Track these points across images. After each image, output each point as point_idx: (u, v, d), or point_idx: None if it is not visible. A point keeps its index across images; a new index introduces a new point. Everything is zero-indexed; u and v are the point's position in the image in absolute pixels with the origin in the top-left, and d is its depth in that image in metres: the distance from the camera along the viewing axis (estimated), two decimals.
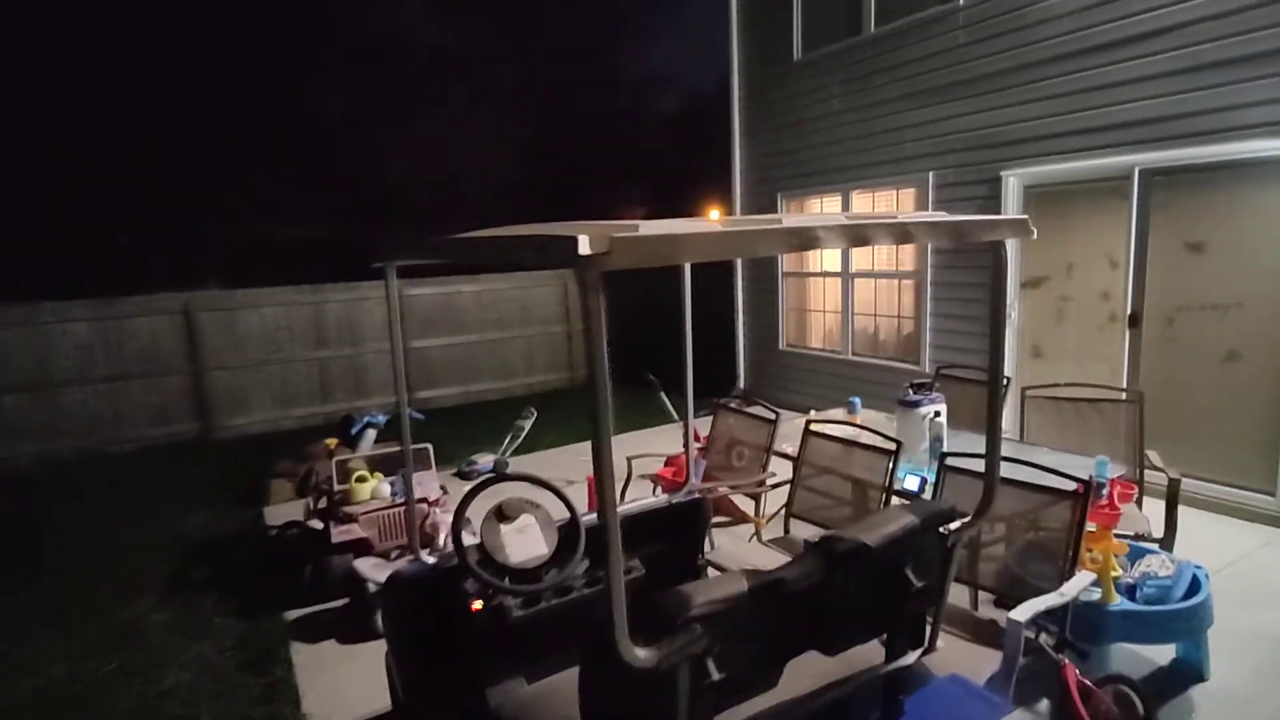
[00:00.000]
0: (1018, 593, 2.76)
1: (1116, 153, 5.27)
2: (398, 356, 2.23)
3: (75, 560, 5.15)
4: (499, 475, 2.32)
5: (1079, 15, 5.38)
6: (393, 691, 2.81)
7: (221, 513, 6.00)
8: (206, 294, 8.95)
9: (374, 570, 3.93)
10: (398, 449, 5.00)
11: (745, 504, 4.49)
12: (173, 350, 8.56)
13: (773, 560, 3.52)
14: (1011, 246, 6.11)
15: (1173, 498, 3.61)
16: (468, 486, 6.82)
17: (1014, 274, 6.19)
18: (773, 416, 4.24)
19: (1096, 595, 2.92)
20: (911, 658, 1.84)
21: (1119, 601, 2.95)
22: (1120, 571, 3.10)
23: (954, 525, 1.78)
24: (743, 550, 3.60)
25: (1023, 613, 2.43)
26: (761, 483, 4.15)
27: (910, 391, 4.11)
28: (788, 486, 4.10)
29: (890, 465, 3.46)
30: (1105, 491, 3.22)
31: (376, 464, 4.76)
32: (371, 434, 5.13)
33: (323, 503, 4.66)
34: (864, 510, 3.56)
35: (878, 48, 7.03)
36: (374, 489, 4.49)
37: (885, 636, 1.83)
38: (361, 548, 4.23)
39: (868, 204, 7.49)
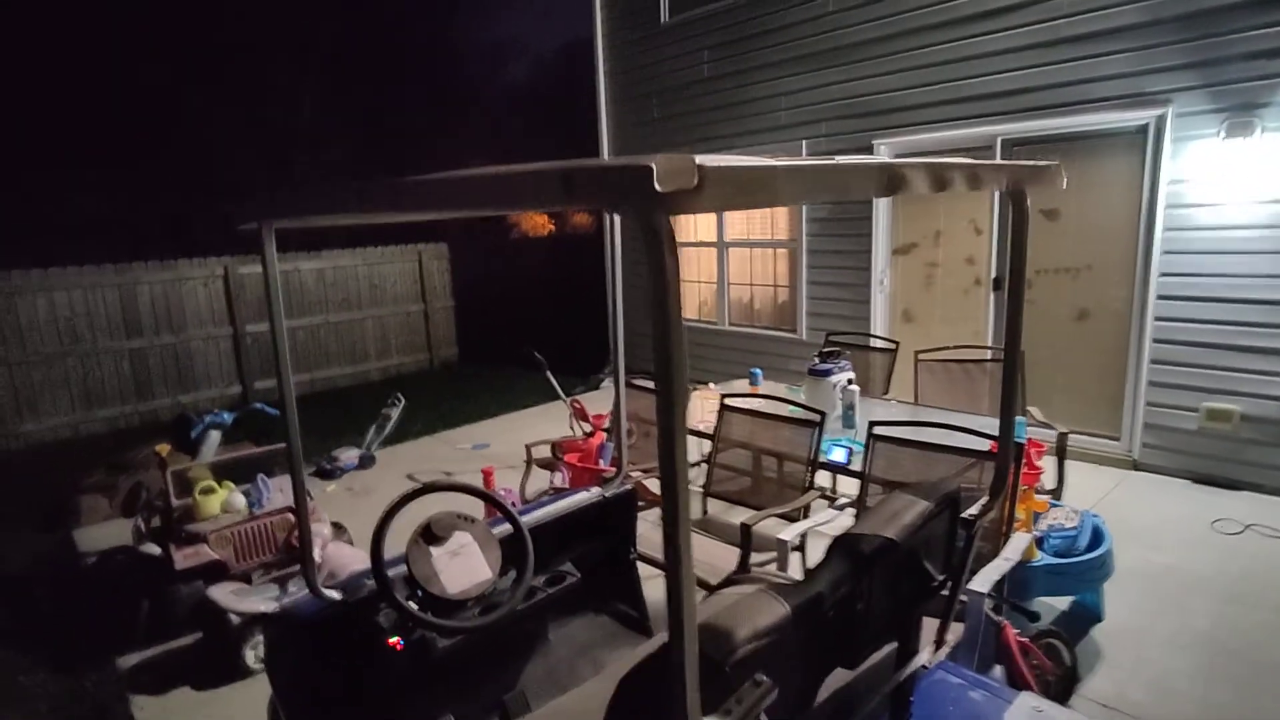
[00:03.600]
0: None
1: (980, 123, 5.50)
2: (280, 335, 1.74)
3: None
4: (425, 488, 1.90)
5: None
6: None
7: (15, 539, 4.92)
8: None
9: (235, 599, 3.31)
10: (252, 451, 4.33)
11: (655, 485, 4.25)
12: None
13: (706, 548, 3.31)
14: (884, 215, 6.28)
15: (1062, 450, 3.80)
16: (329, 486, 6.05)
17: (885, 242, 6.38)
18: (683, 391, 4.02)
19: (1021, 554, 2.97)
20: (924, 657, 1.68)
21: (1040, 558, 3.02)
22: (1030, 527, 3.19)
23: (974, 510, 1.63)
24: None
25: (982, 582, 2.38)
26: None
27: (818, 360, 4.05)
28: (699, 465, 3.93)
29: (814, 437, 3.36)
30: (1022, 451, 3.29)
31: (224, 471, 4.06)
32: (215, 436, 4.36)
33: (157, 521, 3.89)
34: (787, 486, 3.44)
35: (750, 11, 6.93)
36: (225, 501, 3.80)
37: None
38: (214, 572, 3.56)
39: None
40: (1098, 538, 3.19)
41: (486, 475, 4.11)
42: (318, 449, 6.09)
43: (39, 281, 7.37)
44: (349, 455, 5.95)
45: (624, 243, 2.95)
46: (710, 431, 3.78)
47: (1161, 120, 4.68)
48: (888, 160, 0.99)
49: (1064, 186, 1.45)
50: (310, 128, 16.15)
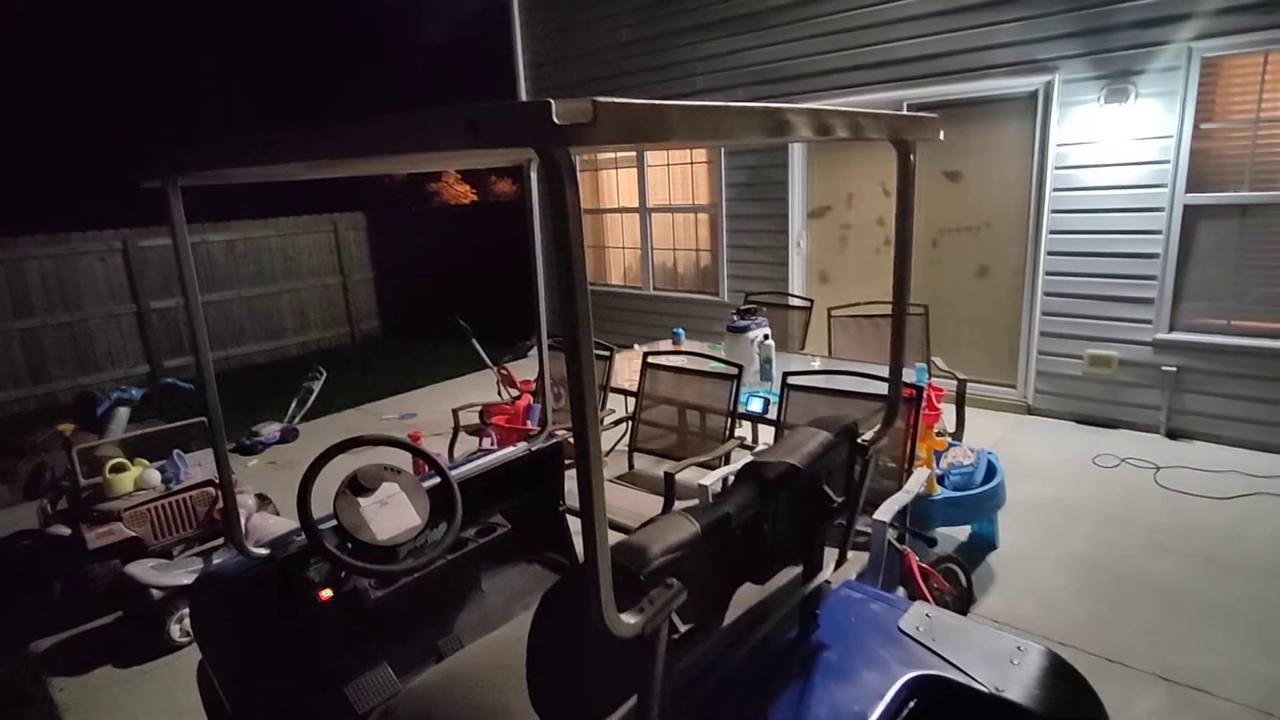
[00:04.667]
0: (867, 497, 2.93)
1: (887, 88, 5.72)
2: (194, 301, 1.72)
3: None
4: (350, 441, 1.93)
5: None
6: (212, 710, 2.33)
7: None
8: None
9: (156, 573, 3.24)
10: (165, 426, 4.19)
11: None
12: None
13: (632, 499, 3.44)
14: (799, 179, 6.47)
15: (961, 396, 4.09)
16: (251, 461, 5.92)
17: (801, 205, 6.58)
18: (606, 353, 4.11)
19: (922, 488, 3.21)
20: (828, 572, 1.84)
21: (940, 492, 3.27)
22: (932, 465, 3.44)
23: (868, 435, 1.78)
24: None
25: (885, 512, 2.58)
26: (600, 420, 4.03)
27: (736, 317, 4.20)
28: (625, 423, 4.05)
29: (733, 390, 3.51)
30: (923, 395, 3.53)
31: (136, 448, 3.92)
32: (124, 412, 4.19)
33: (64, 504, 3.75)
34: (709, 438, 3.59)
35: None
36: (138, 478, 3.69)
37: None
38: (130, 550, 3.47)
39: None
40: (991, 473, 3.48)
41: (414, 439, 4.10)
42: (238, 425, 5.91)
43: None
44: (270, 430, 5.81)
45: (543, 207, 2.98)
46: (635, 389, 3.89)
47: (1049, 86, 4.99)
48: (774, 105, 1.08)
49: (941, 138, 1.59)
50: (212, 84, 15.14)
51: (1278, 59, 4.31)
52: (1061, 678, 1.62)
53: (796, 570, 1.85)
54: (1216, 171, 4.58)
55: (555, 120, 0.81)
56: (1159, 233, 4.76)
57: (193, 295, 1.72)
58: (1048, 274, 5.24)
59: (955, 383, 4.12)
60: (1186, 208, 4.67)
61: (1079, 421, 5.29)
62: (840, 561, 1.90)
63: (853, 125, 1.28)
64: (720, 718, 1.50)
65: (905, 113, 1.45)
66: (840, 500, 1.74)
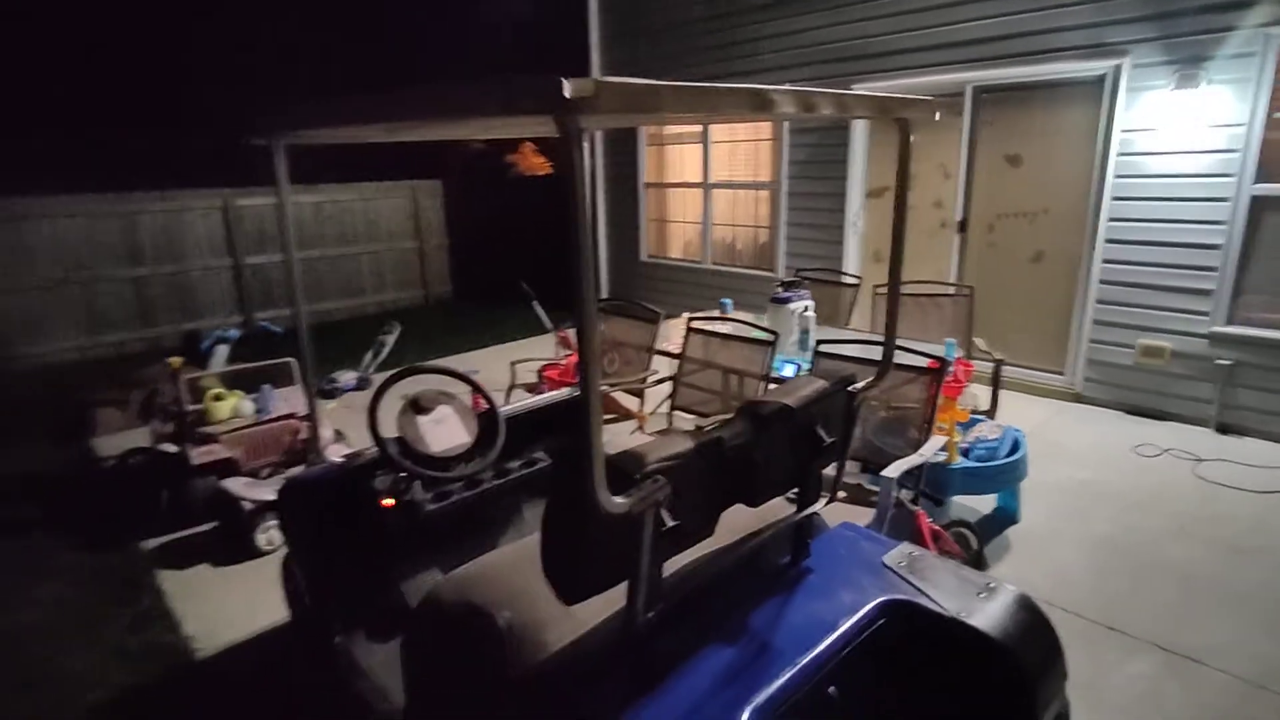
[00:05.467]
0: (883, 459, 3.12)
1: (952, 70, 5.72)
2: (291, 254, 2.06)
3: None
4: (412, 369, 2.26)
5: None
6: (292, 600, 2.73)
7: (33, 450, 5.31)
8: None
9: (247, 489, 3.71)
10: (258, 365, 4.69)
11: (629, 401, 4.64)
12: None
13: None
14: (859, 159, 6.53)
15: (996, 376, 4.18)
16: (329, 405, 6.46)
17: (860, 184, 6.64)
18: (654, 316, 4.37)
19: (943, 457, 3.37)
20: (820, 505, 2.06)
21: (959, 461, 3.42)
22: (959, 437, 3.58)
23: (858, 385, 1.99)
24: (632, 443, 3.75)
25: (893, 470, 2.79)
26: (644, 379, 4.30)
27: (780, 289, 4.38)
28: (669, 384, 4.31)
29: (768, 356, 3.72)
30: (952, 369, 3.66)
31: (233, 381, 4.42)
32: (224, 350, 4.71)
33: (171, 427, 4.27)
34: (744, 400, 3.82)
35: None
36: (234, 407, 4.18)
37: (797, 490, 2.03)
38: (227, 468, 3.96)
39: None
40: (1015, 448, 3.59)
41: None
42: (318, 373, 6.45)
43: (40, 208, 7.59)
44: (347, 377, 6.32)
45: (604, 194, 3.25)
46: (678, 353, 4.14)
47: (1118, 70, 4.93)
48: (758, 86, 1.30)
49: (937, 118, 1.76)
50: (300, 50, 15.88)
51: None
52: (1022, 610, 1.82)
53: (792, 505, 2.09)
54: None
55: (566, 95, 1.06)
56: (1223, 223, 4.67)
57: (290, 249, 2.05)
58: (1105, 262, 5.20)
59: (992, 364, 4.21)
60: (1254, 199, 4.57)
61: (1127, 411, 5.26)
62: (831, 499, 2.12)
63: (839, 104, 1.48)
64: (712, 619, 1.75)
65: (896, 95, 1.64)
66: (830, 441, 1.96)
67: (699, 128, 7.83)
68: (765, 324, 4.41)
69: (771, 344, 3.72)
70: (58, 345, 7.82)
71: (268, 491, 3.74)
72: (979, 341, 4.56)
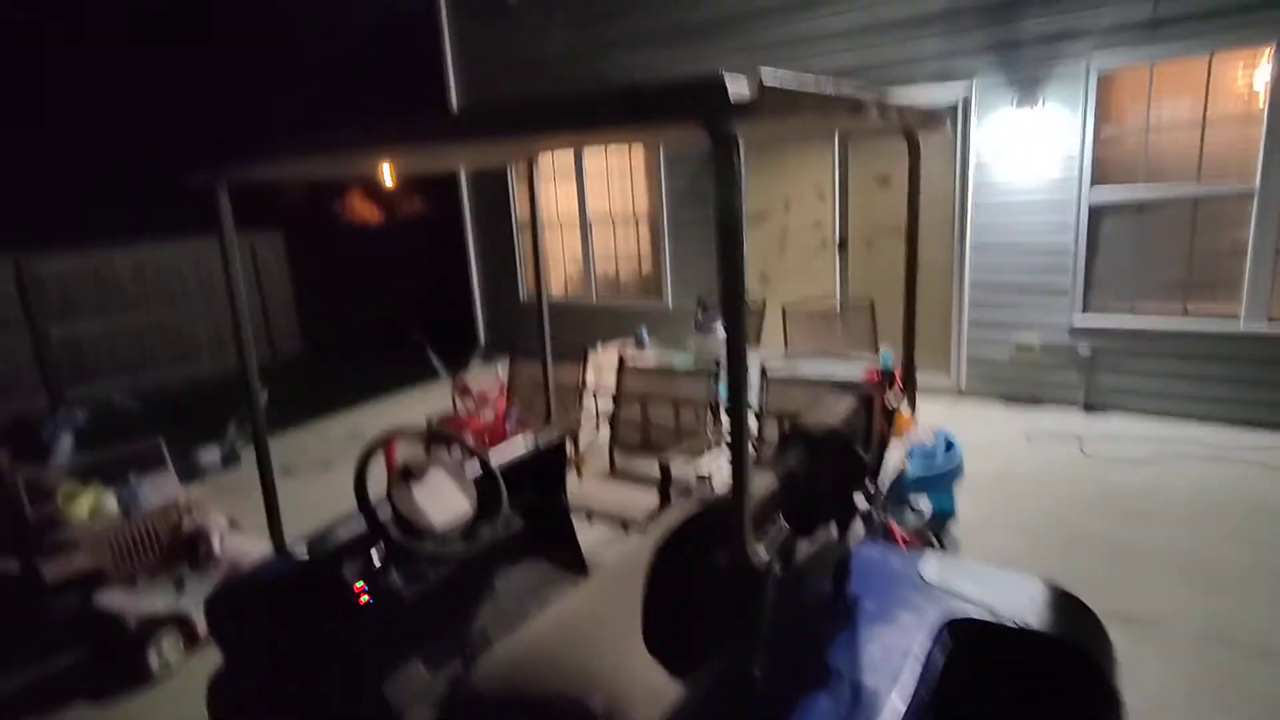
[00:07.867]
0: None
1: None
2: (240, 310, 1.71)
3: None
4: (393, 434, 1.94)
5: None
6: None
7: None
8: None
9: (131, 601, 3.08)
10: (113, 451, 3.96)
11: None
12: None
13: (624, 494, 3.50)
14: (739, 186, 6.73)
15: (911, 381, 4.38)
16: (197, 489, 5.60)
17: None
18: (581, 354, 4.19)
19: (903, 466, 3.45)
20: (862, 529, 1.99)
21: (909, 470, 3.51)
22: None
23: (890, 397, 1.95)
24: (590, 489, 3.52)
25: (880, 483, 2.78)
26: (578, 420, 4.09)
27: (701, 315, 4.36)
28: (600, 424, 4.12)
29: (713, 384, 3.65)
30: (894, 379, 3.79)
31: (85, 473, 3.70)
32: (68, 439, 3.93)
33: (8, 538, 3.49)
34: (691, 432, 3.71)
35: None
36: (94, 505, 3.49)
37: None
38: (93, 581, 3.27)
39: (600, 153, 7.61)
40: (950, 449, 3.76)
41: (389, 449, 4.04)
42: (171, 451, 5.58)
43: None
44: (209, 455, 5.52)
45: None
46: (612, 391, 3.97)
47: (970, 89, 5.43)
48: (855, 93, 1.22)
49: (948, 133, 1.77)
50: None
51: (1162, 72, 4.87)
52: (1080, 613, 1.83)
53: (831, 530, 1.99)
54: (1116, 171, 5.11)
55: (729, 99, 0.92)
56: (1069, 227, 5.25)
57: (239, 296, 1.70)
58: (974, 268, 5.67)
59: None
60: (1092, 205, 5.18)
61: (1006, 401, 5.73)
62: (877, 523, 2.06)
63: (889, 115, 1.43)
64: (792, 662, 1.61)
65: (918, 107, 1.63)
66: (868, 460, 1.89)
67: (571, 160, 7.76)
68: (689, 356, 4.36)
69: (715, 374, 3.66)
70: None
71: (156, 601, 3.13)
72: (886, 350, 4.77)
